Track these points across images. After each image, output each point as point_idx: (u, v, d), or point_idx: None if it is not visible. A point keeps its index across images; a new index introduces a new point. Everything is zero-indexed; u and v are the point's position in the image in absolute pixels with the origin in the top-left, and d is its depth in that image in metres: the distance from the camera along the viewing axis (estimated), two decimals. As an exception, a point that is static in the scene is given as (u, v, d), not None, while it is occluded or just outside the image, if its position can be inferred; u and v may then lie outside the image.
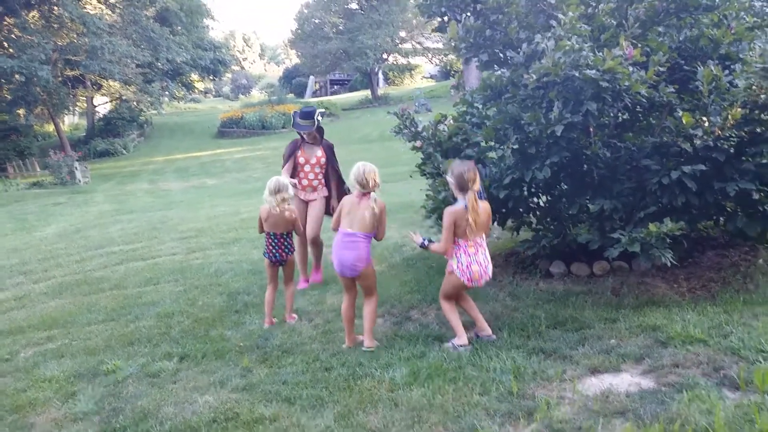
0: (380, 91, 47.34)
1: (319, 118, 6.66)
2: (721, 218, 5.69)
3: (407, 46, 48.22)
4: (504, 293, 5.62)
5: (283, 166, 6.72)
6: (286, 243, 5.57)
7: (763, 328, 4.17)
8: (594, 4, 5.48)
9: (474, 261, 4.56)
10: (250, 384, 4.25)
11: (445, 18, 5.90)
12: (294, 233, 5.71)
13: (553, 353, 4.23)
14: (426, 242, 4.72)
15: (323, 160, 6.69)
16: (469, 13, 5.67)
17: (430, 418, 3.52)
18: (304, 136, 6.68)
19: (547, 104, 4.98)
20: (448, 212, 4.55)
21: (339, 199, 6.34)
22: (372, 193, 4.74)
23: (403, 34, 46.77)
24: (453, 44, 5.47)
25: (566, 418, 3.33)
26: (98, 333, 5.80)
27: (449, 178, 4.64)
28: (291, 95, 57.19)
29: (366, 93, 47.98)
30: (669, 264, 4.68)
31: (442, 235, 4.59)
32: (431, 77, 59.07)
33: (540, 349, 4.31)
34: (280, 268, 5.65)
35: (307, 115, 6.64)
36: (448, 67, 48.88)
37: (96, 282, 7.80)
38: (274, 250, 5.55)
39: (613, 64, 4.57)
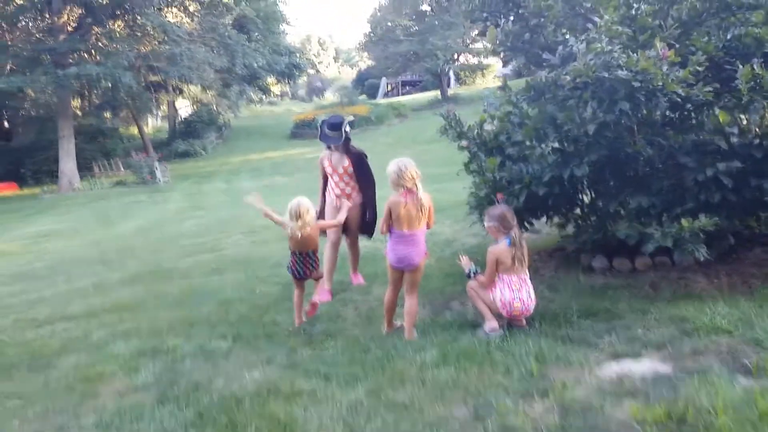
0: (450, 92, 47.40)
1: (347, 129, 6.43)
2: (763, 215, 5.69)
3: (478, 45, 48.09)
4: (543, 286, 5.80)
5: (319, 188, 6.80)
6: (311, 260, 5.56)
7: (791, 322, 4.22)
8: (636, 6, 5.60)
9: (517, 298, 4.80)
10: (294, 363, 4.62)
11: (488, 23, 6.13)
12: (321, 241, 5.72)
13: (579, 341, 4.40)
14: (473, 273, 4.98)
15: (350, 169, 6.51)
16: (511, 17, 5.88)
17: (453, 394, 3.77)
18: (333, 147, 6.51)
19: (583, 104, 5.15)
20: (491, 252, 4.83)
21: (372, 209, 6.59)
22: (416, 189, 4.87)
23: (474, 33, 46.67)
24: (492, 48, 5.70)
25: (578, 397, 3.53)
26: (164, 317, 6.30)
27: (488, 223, 4.89)
28: (363, 96, 57.89)
29: (436, 93, 48.13)
30: (702, 258, 4.77)
31: (486, 271, 4.86)
32: (504, 76, 58.63)
33: (568, 337, 4.50)
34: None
35: (335, 126, 6.39)
36: (520, 66, 48.44)
37: (166, 272, 8.39)
38: (299, 268, 5.57)
39: (647, 65, 4.69)
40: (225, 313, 6.14)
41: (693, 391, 3.39)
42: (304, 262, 5.54)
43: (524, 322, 4.91)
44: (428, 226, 5.09)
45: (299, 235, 5.35)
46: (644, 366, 3.89)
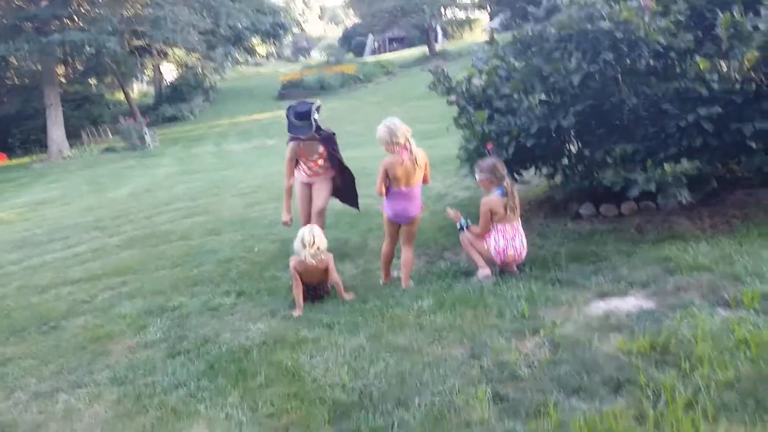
0: (438, 47, 47.00)
1: (316, 116, 5.99)
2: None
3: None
4: (533, 234, 5.98)
5: (286, 171, 6.29)
6: (320, 289, 5.30)
7: (768, 257, 4.45)
8: (618, -45, 5.68)
9: (510, 246, 4.98)
10: (297, 314, 4.83)
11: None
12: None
13: (568, 283, 4.62)
14: (465, 227, 5.14)
15: (325, 153, 6.23)
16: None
17: (450, 336, 4.00)
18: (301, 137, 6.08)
19: (568, 56, 5.27)
20: (485, 203, 4.99)
21: (344, 185, 6.46)
22: (410, 144, 5.00)
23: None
24: (479, 2, 5.78)
25: (568, 333, 3.76)
26: (166, 277, 6.48)
27: (479, 176, 5.04)
28: (350, 55, 57.36)
29: (424, 49, 47.74)
30: (685, 201, 4.98)
31: (480, 222, 5.02)
32: (493, 30, 58.12)
33: (557, 279, 4.71)
34: None
35: (303, 116, 5.95)
36: (507, 20, 48.05)
37: (164, 234, 8.54)
38: (309, 294, 5.24)
39: (629, 15, 4.82)
40: (226, 271, 6.32)
41: (675, 324, 3.62)
42: (313, 291, 5.25)
43: (515, 268, 5.12)
44: (425, 181, 5.26)
45: (314, 263, 5.05)
46: (630, 303, 4.12)
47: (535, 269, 5.05)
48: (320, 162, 6.24)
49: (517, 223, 5.08)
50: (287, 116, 6.01)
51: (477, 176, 5.19)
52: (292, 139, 6.16)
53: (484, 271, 4.98)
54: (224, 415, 3.45)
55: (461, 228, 5.19)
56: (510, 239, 4.99)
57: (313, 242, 5.02)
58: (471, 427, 2.97)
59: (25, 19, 25.46)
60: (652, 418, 2.77)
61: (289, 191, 6.33)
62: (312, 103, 6.12)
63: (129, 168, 19.49)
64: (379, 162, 5.16)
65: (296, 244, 5.09)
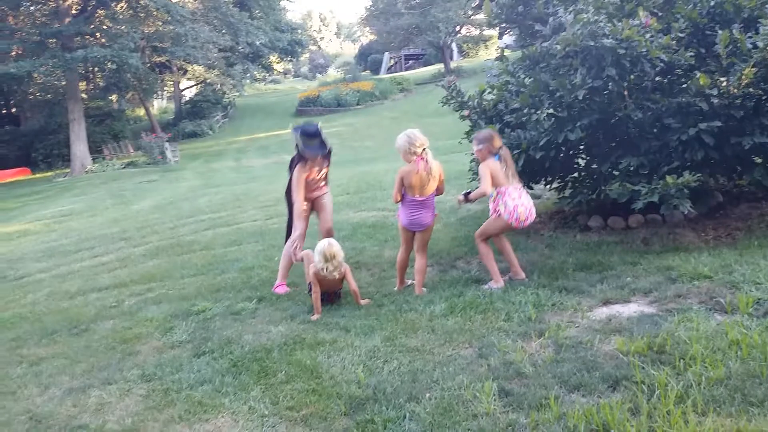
0: (453, 64, 47.41)
1: (323, 135, 6.10)
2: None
3: (480, 17, 47.96)
4: (543, 245, 6.23)
5: (299, 196, 6.04)
6: (334, 295, 5.49)
7: (766, 266, 4.62)
8: (624, -24, 5.94)
9: (519, 203, 5.20)
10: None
11: (484, -4, 6.47)
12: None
13: (574, 290, 4.84)
14: (468, 192, 5.35)
15: (326, 167, 6.29)
16: (506, -10, 6.24)
17: (460, 338, 4.23)
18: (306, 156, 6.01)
19: (574, 72, 5.52)
20: (484, 165, 5.21)
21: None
22: (426, 155, 5.22)
23: (475, 4, 46.53)
24: (488, 20, 6.06)
25: (571, 335, 3.98)
26: (190, 284, 6.76)
27: (477, 146, 5.27)
28: (366, 72, 57.99)
29: (439, 67, 48.15)
30: (686, 212, 5.19)
31: (482, 181, 5.16)
32: (507, 47, 58.41)
33: (563, 287, 4.93)
34: None
35: (314, 135, 6.03)
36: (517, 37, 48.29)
37: (187, 245, 8.85)
38: (323, 299, 5.38)
39: (631, 33, 5.06)
40: (247, 278, 6.59)
41: (673, 327, 3.84)
42: (328, 297, 5.43)
43: (524, 274, 5.34)
44: (439, 192, 5.49)
45: (336, 276, 5.27)
46: (631, 308, 4.33)
47: (543, 277, 5.27)
48: (323, 176, 6.25)
49: (519, 184, 5.31)
50: (297, 137, 5.99)
51: (474, 147, 5.39)
52: (298, 160, 6.08)
53: (498, 284, 5.21)
54: (247, 407, 3.69)
55: (467, 195, 5.33)
56: (517, 198, 5.19)
57: (334, 256, 5.24)
58: (477, 418, 3.19)
59: (50, 36, 26.16)
60: (645, 410, 2.98)
61: (307, 218, 6.21)
62: (315, 124, 6.20)
63: (151, 182, 19.93)
64: (394, 176, 5.41)
65: (316, 257, 5.28)
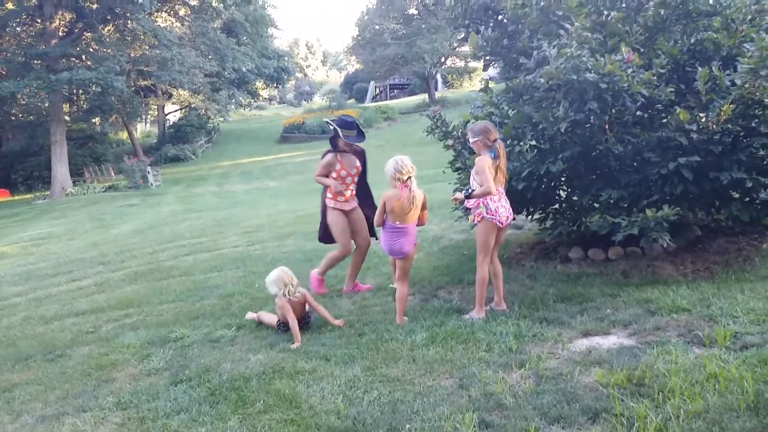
0: (438, 95, 47.93)
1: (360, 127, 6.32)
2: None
3: (464, 49, 48.65)
4: (524, 275, 6.24)
5: (321, 179, 6.36)
6: (303, 321, 5.50)
7: (743, 300, 4.69)
8: (606, 13, 6.05)
9: (500, 205, 5.23)
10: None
11: (469, 29, 6.57)
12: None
13: (554, 321, 4.85)
14: (468, 192, 5.25)
15: (360, 168, 6.47)
16: (491, 24, 6.33)
17: (440, 368, 4.21)
18: (345, 147, 6.30)
19: (557, 104, 5.59)
20: (481, 160, 5.16)
21: (369, 209, 6.43)
22: (411, 183, 5.25)
23: (460, 36, 47.21)
24: (474, 53, 6.15)
25: (551, 367, 3.98)
26: (169, 310, 6.68)
27: (472, 138, 5.27)
28: (351, 100, 58.39)
29: (424, 97, 48.63)
30: (665, 245, 5.24)
31: (482, 178, 5.10)
32: (491, 79, 59.12)
33: (544, 318, 4.94)
34: None
35: (351, 125, 6.26)
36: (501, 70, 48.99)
37: (167, 270, 8.76)
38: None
39: (613, 68, 5.15)
40: (227, 305, 6.53)
41: (652, 359, 3.85)
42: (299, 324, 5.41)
43: (504, 305, 5.34)
44: (422, 222, 5.50)
45: (298, 296, 5.40)
46: (611, 340, 4.34)
47: (524, 308, 5.28)
48: (356, 180, 6.41)
49: (502, 188, 5.33)
50: (335, 128, 6.21)
51: (470, 139, 5.36)
52: (329, 151, 6.34)
53: (479, 314, 5.20)
54: (224, 437, 3.63)
55: (468, 195, 5.24)
56: (497, 200, 5.21)
57: (291, 277, 5.46)
58: (457, 450, 3.17)
59: (35, 57, 26.11)
60: (625, 444, 2.98)
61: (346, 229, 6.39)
62: (352, 117, 6.38)
63: (132, 206, 19.79)
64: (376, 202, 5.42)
65: (274, 288, 5.43)
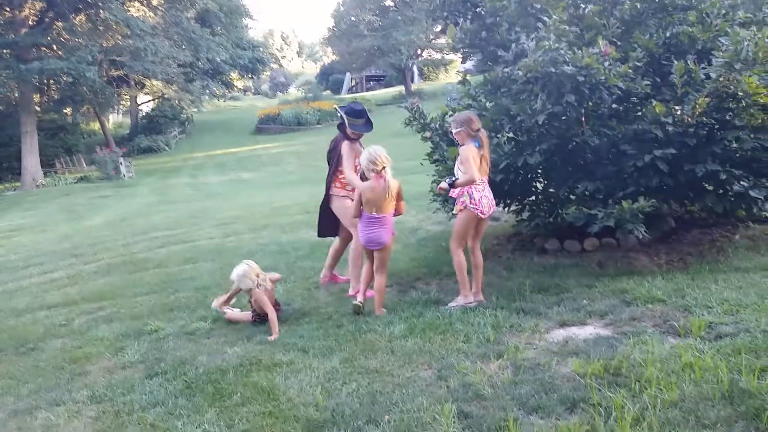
0: (414, 87, 47.90)
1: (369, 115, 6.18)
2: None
3: (441, 41, 48.67)
4: (501, 266, 6.27)
5: (351, 174, 5.96)
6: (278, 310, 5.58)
7: (717, 291, 4.76)
8: (584, 6, 6.08)
9: (484, 195, 5.24)
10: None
11: (448, 21, 6.56)
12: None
13: (531, 312, 4.88)
14: (452, 182, 5.26)
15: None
16: (469, 16, 6.33)
17: (419, 359, 4.21)
18: (353, 135, 6.10)
19: (534, 97, 5.61)
20: (466, 150, 5.18)
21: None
22: (386, 173, 5.25)
23: (438, 29, 47.24)
24: (452, 45, 6.14)
25: (529, 357, 4.00)
26: (143, 303, 6.60)
27: (456, 129, 5.27)
28: (327, 92, 58.09)
29: (400, 89, 48.57)
30: (641, 237, 5.29)
31: (467, 167, 5.11)
32: (467, 72, 59.28)
33: (521, 309, 4.97)
34: None
35: (360, 114, 6.07)
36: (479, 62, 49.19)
37: (140, 262, 8.66)
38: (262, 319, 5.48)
39: (590, 61, 5.18)
40: (203, 297, 6.46)
41: (628, 349, 3.89)
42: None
43: (482, 296, 5.36)
44: (398, 212, 5.49)
45: (270, 286, 5.52)
46: (587, 331, 4.38)
47: (502, 299, 5.30)
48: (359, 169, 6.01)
49: (486, 177, 5.35)
50: (344, 115, 6.01)
51: (453, 130, 5.36)
52: (340, 140, 6.10)
53: (466, 299, 5.22)
54: (201, 430, 3.59)
55: (451, 184, 5.26)
56: (482, 190, 5.23)
57: (256, 270, 5.50)
58: (436, 441, 3.17)
59: (4, 47, 25.57)
60: (602, 433, 3.00)
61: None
62: (361, 104, 6.25)
63: (104, 197, 19.52)
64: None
65: (247, 282, 5.41)
